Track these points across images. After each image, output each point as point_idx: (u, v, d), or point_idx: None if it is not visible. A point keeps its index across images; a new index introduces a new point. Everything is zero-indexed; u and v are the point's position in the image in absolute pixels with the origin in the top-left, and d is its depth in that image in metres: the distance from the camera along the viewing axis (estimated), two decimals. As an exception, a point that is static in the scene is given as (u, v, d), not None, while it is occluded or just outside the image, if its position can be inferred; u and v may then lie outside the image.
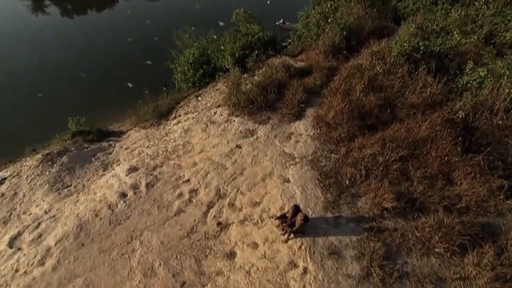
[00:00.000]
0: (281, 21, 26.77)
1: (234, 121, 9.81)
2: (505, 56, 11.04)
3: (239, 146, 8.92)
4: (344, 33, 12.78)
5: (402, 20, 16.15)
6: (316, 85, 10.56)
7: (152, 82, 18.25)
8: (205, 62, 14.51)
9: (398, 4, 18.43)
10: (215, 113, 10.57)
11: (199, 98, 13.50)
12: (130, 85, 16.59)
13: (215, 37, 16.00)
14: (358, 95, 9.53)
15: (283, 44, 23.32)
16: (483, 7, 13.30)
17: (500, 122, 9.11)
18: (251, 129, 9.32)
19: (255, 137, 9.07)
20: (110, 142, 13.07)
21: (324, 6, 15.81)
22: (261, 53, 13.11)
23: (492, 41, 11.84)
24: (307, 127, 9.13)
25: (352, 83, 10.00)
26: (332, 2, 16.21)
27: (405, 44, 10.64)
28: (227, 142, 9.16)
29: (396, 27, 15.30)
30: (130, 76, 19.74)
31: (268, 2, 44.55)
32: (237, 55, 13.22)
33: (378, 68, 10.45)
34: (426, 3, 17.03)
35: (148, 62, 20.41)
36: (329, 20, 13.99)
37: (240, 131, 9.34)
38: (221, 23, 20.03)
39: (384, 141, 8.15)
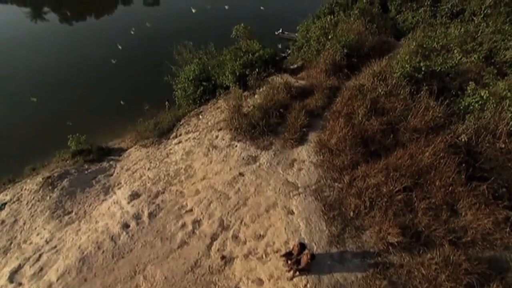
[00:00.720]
0: (280, 30, 26.78)
1: (236, 146, 9.75)
2: (506, 77, 11.04)
3: (241, 174, 8.86)
4: (345, 50, 12.75)
5: (403, 36, 16.24)
6: (318, 107, 10.52)
7: (153, 95, 18.21)
8: (205, 79, 14.45)
9: (397, 16, 18.46)
10: (216, 136, 10.51)
11: (200, 117, 13.43)
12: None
13: (214, 50, 15.99)
14: (360, 119, 9.49)
15: (283, 54, 23.38)
16: (482, 24, 13.32)
17: (503, 145, 9.11)
18: (253, 155, 9.27)
19: (257, 164, 9.02)
20: (111, 162, 12.97)
21: (324, 20, 15.81)
22: (261, 71, 13.06)
23: (493, 60, 11.83)
24: (309, 153, 9.09)
25: (354, 105, 9.97)
26: (332, 17, 16.21)
27: (406, 65, 10.60)
28: (230, 169, 9.10)
29: (396, 42, 15.31)
30: (130, 89, 19.72)
31: (262, 8, 44.71)
32: (237, 73, 13.16)
33: (380, 90, 10.42)
34: (425, 16, 17.09)
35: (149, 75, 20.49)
36: (330, 37, 13.97)
37: (243, 158, 9.28)
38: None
39: (387, 169, 8.12)
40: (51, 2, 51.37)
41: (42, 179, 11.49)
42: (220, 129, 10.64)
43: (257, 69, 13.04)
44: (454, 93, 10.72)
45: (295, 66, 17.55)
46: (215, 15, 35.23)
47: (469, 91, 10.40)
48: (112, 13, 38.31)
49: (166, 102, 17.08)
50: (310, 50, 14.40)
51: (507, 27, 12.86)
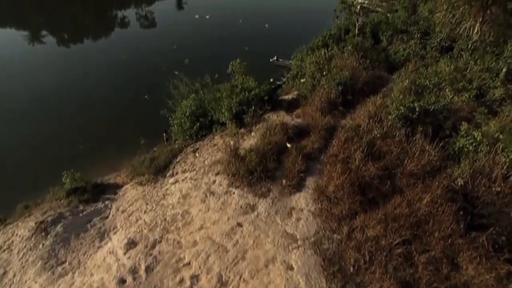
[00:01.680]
0: (275, 58, 27.29)
1: (234, 193, 9.69)
2: (497, 115, 11.29)
3: (240, 224, 8.77)
4: (340, 88, 12.98)
5: (395, 69, 16.64)
6: (315, 150, 10.58)
7: (149, 128, 18.24)
8: (202, 114, 14.53)
9: (389, 47, 18.98)
10: (214, 181, 10.45)
11: (197, 154, 13.41)
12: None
13: (209, 81, 16.16)
14: (357, 164, 9.56)
15: (278, 82, 23.77)
16: (470, 62, 13.73)
17: (499, 189, 9.20)
18: (251, 203, 9.21)
19: (255, 213, 8.95)
20: (106, 202, 12.77)
21: (318, 55, 16.17)
22: (258, 109, 13.20)
23: (483, 99, 12.13)
24: (308, 201, 9.06)
25: (351, 149, 10.06)
26: (326, 51, 16.60)
27: (401, 107, 10.80)
28: (228, 219, 9.00)
29: (389, 76, 15.67)
30: (125, 121, 19.72)
31: (266, 26, 45.85)
32: (234, 110, 13.27)
33: (376, 132, 10.56)
34: (415, 48, 17.60)
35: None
36: (324, 73, 14.26)
37: (241, 206, 9.21)
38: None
39: (386, 220, 8.11)
40: (49, 25, 52.14)
41: (35, 223, 11.23)
42: (218, 173, 10.59)
43: (253, 107, 13.18)
44: (448, 133, 10.90)
45: (290, 97, 17.82)
46: (215, 34, 36.00)
47: (462, 132, 10.60)
48: (108, 37, 38.72)
49: (164, 134, 17.10)
50: (306, 86, 14.61)
51: (493, 64, 13.27)
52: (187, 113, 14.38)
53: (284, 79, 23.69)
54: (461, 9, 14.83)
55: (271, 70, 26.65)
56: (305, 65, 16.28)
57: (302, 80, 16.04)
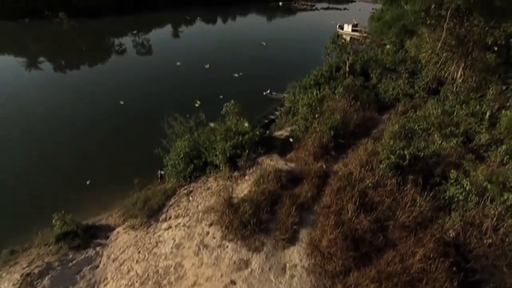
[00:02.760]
0: (268, 91, 27.98)
1: (227, 247, 9.61)
2: (484, 161, 11.62)
3: (233, 282, 8.64)
4: (332, 132, 13.29)
5: (385, 108, 17.16)
6: (308, 199, 10.66)
7: (143, 166, 18.19)
8: (195, 156, 14.63)
9: (379, 85, 19.65)
10: (207, 233, 10.37)
11: (190, 198, 13.38)
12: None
13: (204, 118, 16.40)
14: (350, 216, 9.63)
15: (271, 117, 24.22)
16: (456, 106, 14.28)
17: (491, 241, 9.30)
18: (245, 258, 9.12)
19: (249, 269, 8.85)
20: (97, 249, 12.50)
21: (310, 96, 16.67)
22: (251, 152, 13.37)
23: (470, 145, 12.51)
24: (301, 255, 9.02)
25: (344, 200, 10.16)
26: (318, 91, 17.13)
27: (391, 156, 11.05)
28: (221, 276, 8.87)
29: (380, 117, 16.13)
30: (120, 158, 19.67)
31: (264, 44, 47.26)
32: (228, 154, 13.41)
33: (367, 181, 10.73)
34: (404, 87, 18.27)
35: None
36: (316, 115, 14.65)
37: (234, 262, 9.11)
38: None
39: (379, 278, 8.07)
40: (47, 52, 53.10)
41: (21, 276, 10.89)
42: (211, 224, 10.53)
43: (247, 150, 13.36)
44: (438, 180, 11.13)
45: (284, 134, 18.16)
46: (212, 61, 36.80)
47: (452, 180, 10.83)
48: (105, 64, 39.37)
49: (159, 172, 17.09)
50: (299, 127, 14.91)
51: (478, 108, 13.82)
52: (181, 155, 14.46)
53: (278, 113, 24.18)
54: (444, 54, 15.64)
55: (265, 102, 27.26)
56: (298, 104, 16.69)
57: (294, 126, 16.36)
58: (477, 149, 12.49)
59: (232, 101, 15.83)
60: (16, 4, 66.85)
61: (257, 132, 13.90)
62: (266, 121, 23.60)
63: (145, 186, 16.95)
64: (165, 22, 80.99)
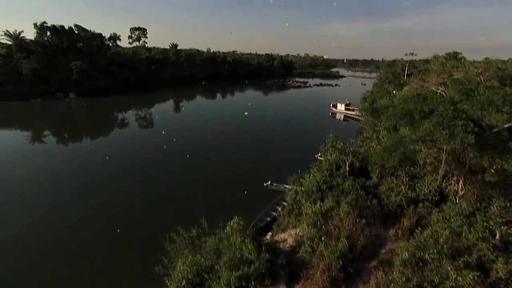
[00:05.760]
0: (269, 182, 28.07)
1: None
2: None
3: None
4: (340, 262, 12.79)
5: (390, 218, 16.95)
6: None
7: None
8: (198, 283, 13.73)
9: (380, 186, 19.79)
10: None
11: None
12: None
13: (205, 226, 15.85)
14: None
15: (273, 214, 23.77)
16: (464, 227, 14.13)
17: None
18: None
19: None
20: None
21: (314, 208, 16.58)
22: (257, 285, 12.61)
23: (488, 280, 11.95)
24: None
25: None
26: (322, 203, 17.12)
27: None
28: None
29: (386, 233, 15.81)
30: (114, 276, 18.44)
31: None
32: (233, 286, 12.61)
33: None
34: (406, 193, 18.35)
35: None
36: (322, 238, 14.31)
37: None
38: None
39: None
40: (51, 126, 54.91)
41: None
42: None
43: (253, 282, 12.63)
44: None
45: (287, 238, 17.58)
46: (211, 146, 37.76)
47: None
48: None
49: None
50: (305, 250, 14.40)
51: (487, 233, 13.63)
52: (183, 283, 13.58)
53: (279, 209, 23.79)
54: (443, 167, 16.12)
55: (266, 193, 27.14)
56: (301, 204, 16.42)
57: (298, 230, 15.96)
58: (497, 283, 11.89)
59: (236, 218, 15.64)
60: (31, 86, 71.86)
61: (263, 261, 13.30)
62: (268, 218, 23.13)
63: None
64: (168, 98, 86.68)
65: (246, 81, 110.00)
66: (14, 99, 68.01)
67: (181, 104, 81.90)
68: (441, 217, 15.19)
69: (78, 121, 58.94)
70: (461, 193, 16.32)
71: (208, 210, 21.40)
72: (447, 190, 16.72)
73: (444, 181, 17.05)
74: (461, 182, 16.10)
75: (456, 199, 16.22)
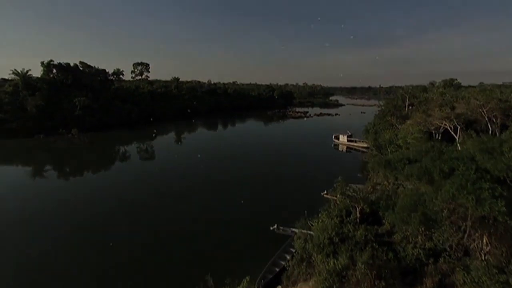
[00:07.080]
0: (275, 226, 26.69)
1: None
2: None
3: None
4: None
5: (409, 275, 15.59)
6: None
7: None
8: None
9: (395, 235, 18.56)
10: None
11: None
12: None
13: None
14: None
15: (282, 263, 22.17)
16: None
17: None
18: None
19: None
20: None
21: (328, 267, 15.34)
22: None
23: None
24: None
25: None
26: (336, 261, 15.89)
27: None
28: None
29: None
30: None
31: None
32: None
33: None
34: (423, 243, 17.12)
35: None
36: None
37: None
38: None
39: None
40: (53, 161, 54.22)
41: None
42: None
43: None
44: None
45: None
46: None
47: None
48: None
49: None
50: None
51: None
52: None
53: (288, 258, 22.30)
54: (468, 226, 15.02)
55: (273, 238, 25.69)
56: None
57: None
58: None
59: (247, 278, 14.41)
60: (35, 122, 72.30)
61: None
62: (277, 269, 21.52)
63: None
64: (171, 130, 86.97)
65: (243, 113, 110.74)
66: (17, 135, 68.31)
67: (182, 136, 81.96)
68: (468, 280, 13.85)
69: (77, 156, 58.53)
70: (486, 249, 15.09)
71: (209, 261, 19.98)
72: (471, 246, 15.52)
73: (466, 234, 15.88)
74: (485, 237, 14.94)
75: (482, 256, 14.96)
